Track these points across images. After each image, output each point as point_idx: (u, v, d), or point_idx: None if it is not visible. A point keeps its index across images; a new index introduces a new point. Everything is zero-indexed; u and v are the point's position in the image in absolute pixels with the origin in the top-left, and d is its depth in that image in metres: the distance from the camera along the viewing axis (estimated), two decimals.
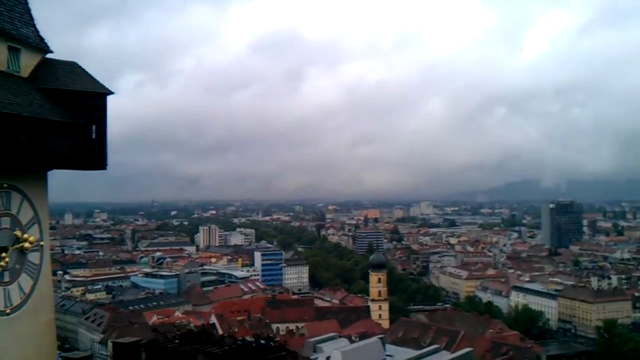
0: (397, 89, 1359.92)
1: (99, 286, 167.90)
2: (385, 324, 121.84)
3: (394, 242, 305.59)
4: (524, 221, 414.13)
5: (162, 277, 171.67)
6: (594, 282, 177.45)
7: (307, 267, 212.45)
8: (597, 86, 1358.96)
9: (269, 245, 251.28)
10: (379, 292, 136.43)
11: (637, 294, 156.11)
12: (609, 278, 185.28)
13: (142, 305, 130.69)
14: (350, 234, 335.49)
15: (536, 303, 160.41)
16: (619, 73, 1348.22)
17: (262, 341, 28.87)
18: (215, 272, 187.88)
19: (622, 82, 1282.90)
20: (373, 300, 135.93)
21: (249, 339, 31.80)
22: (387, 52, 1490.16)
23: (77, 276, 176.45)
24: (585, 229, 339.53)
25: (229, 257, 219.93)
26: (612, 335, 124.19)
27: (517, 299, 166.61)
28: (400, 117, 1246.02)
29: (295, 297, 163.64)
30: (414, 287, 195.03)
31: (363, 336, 70.40)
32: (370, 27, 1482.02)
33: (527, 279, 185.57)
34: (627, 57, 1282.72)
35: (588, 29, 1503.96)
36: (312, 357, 34.61)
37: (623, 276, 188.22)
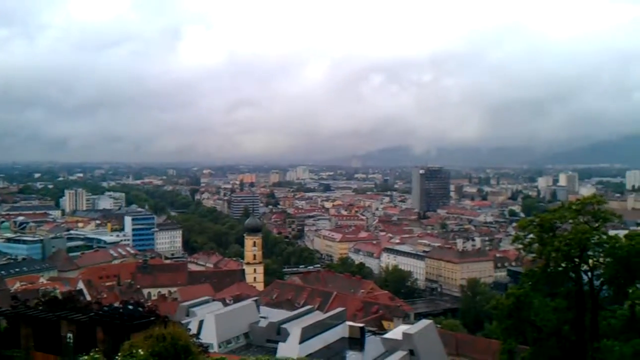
0: (278, 54, 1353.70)
1: None
2: (260, 286, 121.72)
3: (270, 207, 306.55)
4: (396, 186, 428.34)
5: (24, 242, 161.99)
6: (459, 243, 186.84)
7: (181, 232, 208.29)
8: (469, 58, 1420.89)
9: (140, 209, 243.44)
10: (254, 255, 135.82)
11: (498, 255, 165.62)
12: (473, 240, 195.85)
13: (3, 272, 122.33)
14: (226, 198, 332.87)
15: (405, 264, 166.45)
16: (491, 46, 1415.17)
17: (130, 307, 27.14)
18: (82, 237, 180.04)
19: (493, 55, 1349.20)
20: (248, 263, 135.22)
21: (116, 305, 29.90)
22: (270, 16, 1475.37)
23: None
24: (452, 194, 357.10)
25: (98, 222, 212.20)
26: (474, 294, 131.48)
27: (388, 260, 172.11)
28: (280, 82, 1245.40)
29: (168, 261, 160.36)
30: (289, 250, 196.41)
31: (237, 299, 69.76)
32: None
33: (397, 241, 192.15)
34: (499, 31, 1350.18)
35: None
36: (184, 321, 33.60)
37: (486, 238, 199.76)
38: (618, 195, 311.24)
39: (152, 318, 22.81)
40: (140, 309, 26.11)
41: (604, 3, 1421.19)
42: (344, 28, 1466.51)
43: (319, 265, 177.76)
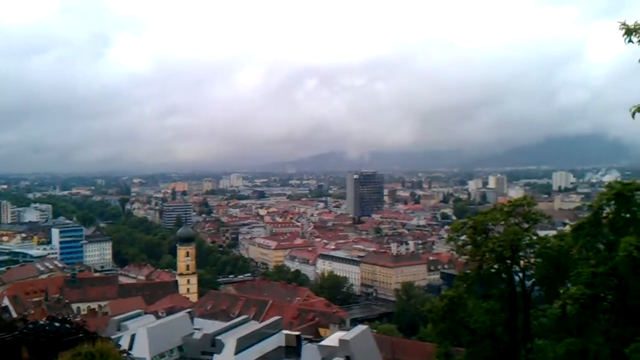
0: (211, 60, 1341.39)
1: None
2: (194, 297, 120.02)
3: (203, 215, 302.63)
4: (330, 191, 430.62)
5: None
6: (394, 247, 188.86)
7: (111, 244, 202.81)
8: (401, 64, 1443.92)
9: (67, 221, 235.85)
10: (187, 266, 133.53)
11: (431, 258, 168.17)
12: (407, 244, 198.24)
13: None
14: (157, 207, 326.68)
15: (341, 269, 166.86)
16: (422, 51, 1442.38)
17: (57, 323, 25.49)
18: (7, 251, 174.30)
19: (423, 61, 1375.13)
20: (181, 274, 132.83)
21: (42, 321, 28.05)
22: (202, 21, 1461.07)
23: None
24: (386, 198, 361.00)
25: (23, 235, 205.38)
26: (409, 297, 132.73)
27: (324, 267, 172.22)
28: (213, 88, 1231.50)
29: (98, 275, 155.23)
30: (223, 259, 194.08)
31: (170, 311, 67.84)
32: None
33: (332, 247, 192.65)
34: (429, 37, 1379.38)
35: (397, 6, 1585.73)
36: (115, 336, 32.15)
37: (419, 241, 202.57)
38: (545, 196, 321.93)
39: (81, 334, 21.51)
40: (68, 325, 24.59)
41: (530, 11, 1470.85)
42: (277, 33, 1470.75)
43: (254, 274, 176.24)
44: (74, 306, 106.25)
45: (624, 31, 8.10)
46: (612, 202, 34.28)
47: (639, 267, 29.77)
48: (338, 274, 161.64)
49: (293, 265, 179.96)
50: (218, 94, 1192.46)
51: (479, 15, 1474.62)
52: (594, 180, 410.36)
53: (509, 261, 38.25)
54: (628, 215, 33.39)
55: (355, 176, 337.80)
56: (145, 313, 46.78)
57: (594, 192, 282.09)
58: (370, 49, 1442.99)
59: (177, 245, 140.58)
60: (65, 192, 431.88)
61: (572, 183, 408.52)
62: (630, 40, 8.12)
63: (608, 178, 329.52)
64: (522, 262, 39.11)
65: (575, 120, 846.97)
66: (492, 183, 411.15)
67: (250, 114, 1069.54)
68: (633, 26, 8.04)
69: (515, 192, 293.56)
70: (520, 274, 39.24)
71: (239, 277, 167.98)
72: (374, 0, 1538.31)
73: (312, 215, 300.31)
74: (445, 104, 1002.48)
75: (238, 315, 66.57)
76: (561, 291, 35.69)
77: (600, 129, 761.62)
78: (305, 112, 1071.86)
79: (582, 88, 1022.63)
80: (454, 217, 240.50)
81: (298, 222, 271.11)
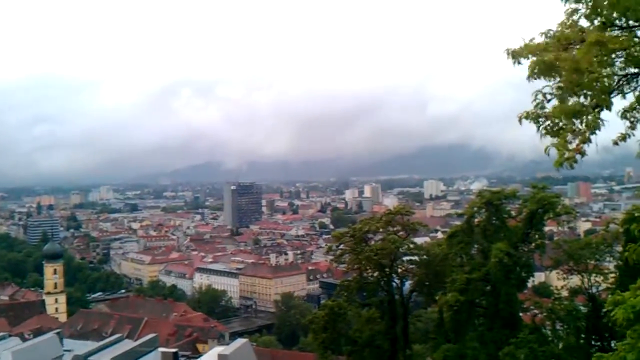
0: (82, 69, 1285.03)
1: None
2: (63, 317, 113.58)
3: (72, 230, 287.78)
4: (207, 203, 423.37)
5: None
6: (273, 258, 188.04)
7: None
8: (281, 72, 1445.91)
9: None
10: (55, 284, 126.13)
11: (310, 268, 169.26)
12: (286, 254, 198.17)
13: None
14: (21, 222, 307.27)
15: (219, 283, 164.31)
16: (301, 60, 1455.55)
17: None
18: None
19: (303, 70, 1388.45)
20: (48, 293, 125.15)
21: None
22: (73, 28, 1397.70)
23: None
24: (264, 209, 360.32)
25: None
26: (289, 308, 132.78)
27: (201, 280, 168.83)
28: (84, 98, 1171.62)
29: None
30: (94, 276, 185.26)
31: (38, 333, 63.54)
32: None
33: (210, 260, 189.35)
34: (310, 46, 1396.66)
35: (274, 14, 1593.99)
36: None
37: (298, 251, 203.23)
38: (418, 204, 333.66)
39: None
40: None
41: (407, 21, 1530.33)
42: (153, 41, 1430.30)
43: (127, 290, 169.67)
44: None
45: (511, 56, 8.41)
46: (483, 209, 35.77)
47: (509, 272, 31.07)
48: (216, 287, 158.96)
49: (169, 280, 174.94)
50: (90, 104, 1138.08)
51: (356, 24, 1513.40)
52: (463, 188, 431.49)
53: (387, 269, 38.96)
54: (498, 222, 34.96)
55: (233, 187, 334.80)
56: (10, 335, 43.11)
57: (463, 199, 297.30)
58: (250, 58, 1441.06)
59: (43, 262, 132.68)
60: None
61: (442, 191, 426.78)
62: (518, 63, 8.34)
63: (476, 186, 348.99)
64: (400, 270, 40.00)
65: (445, 131, 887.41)
66: (367, 192, 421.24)
67: (123, 124, 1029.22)
68: (520, 49, 8.33)
69: (390, 201, 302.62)
70: (399, 282, 40.13)
71: (112, 294, 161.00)
72: (252, 10, 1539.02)
73: (188, 227, 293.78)
74: (324, 113, 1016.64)
75: (111, 334, 63.37)
76: (437, 297, 36.75)
77: (468, 139, 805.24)
78: (181, 123, 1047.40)
79: (452, 100, 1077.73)
80: (331, 227, 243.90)
81: (173, 235, 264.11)
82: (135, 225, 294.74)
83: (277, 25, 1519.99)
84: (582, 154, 8.08)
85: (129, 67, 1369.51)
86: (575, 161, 8.01)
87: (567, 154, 8.01)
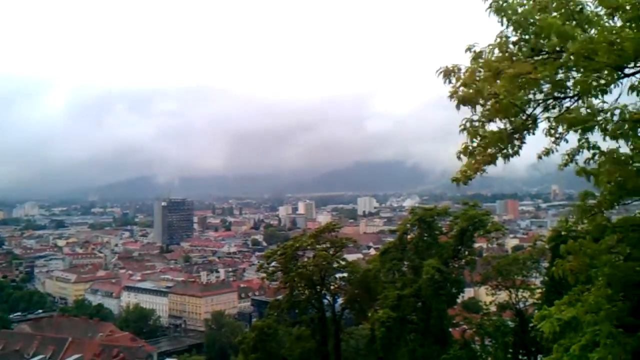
0: (10, 79, 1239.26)
1: None
2: None
3: None
4: (137, 219, 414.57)
5: None
6: (204, 276, 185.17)
7: None
8: (218, 87, 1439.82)
9: None
10: None
11: (242, 285, 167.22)
12: (218, 272, 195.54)
13: None
14: None
15: (148, 301, 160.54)
16: (239, 75, 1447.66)
17: None
18: None
19: (241, 84, 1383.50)
20: None
21: None
22: None
23: None
24: (195, 226, 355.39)
25: None
26: (220, 326, 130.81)
27: (129, 299, 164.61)
28: (7, 109, 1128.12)
29: None
30: (16, 295, 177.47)
31: None
32: None
33: (138, 278, 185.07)
34: (247, 60, 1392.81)
35: (213, 29, 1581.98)
36: None
37: (230, 269, 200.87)
38: (351, 220, 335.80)
39: None
40: None
41: (345, 37, 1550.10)
42: (85, 52, 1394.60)
43: (52, 310, 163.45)
44: None
45: (442, 75, 8.70)
46: (416, 226, 36.17)
47: (440, 289, 31.38)
48: (145, 306, 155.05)
49: (95, 299, 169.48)
50: (15, 117, 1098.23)
51: (295, 40, 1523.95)
52: (396, 205, 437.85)
53: (319, 286, 38.77)
54: (430, 239, 35.37)
55: (164, 203, 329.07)
56: None
57: (395, 216, 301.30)
58: (187, 73, 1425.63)
59: None
60: None
61: (375, 207, 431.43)
62: (449, 82, 8.66)
63: (408, 203, 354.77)
64: (332, 287, 39.87)
65: (381, 148, 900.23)
66: (301, 209, 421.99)
67: (52, 138, 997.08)
68: (451, 68, 8.64)
69: (324, 217, 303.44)
70: (331, 299, 39.96)
71: (34, 314, 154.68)
72: (189, 23, 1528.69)
73: (116, 245, 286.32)
74: (261, 128, 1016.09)
75: (34, 356, 62.50)
76: (369, 314, 36.73)
77: (403, 156, 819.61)
78: (113, 136, 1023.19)
79: (388, 117, 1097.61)
80: (264, 244, 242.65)
81: (101, 252, 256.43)
82: (61, 243, 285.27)
83: (215, 39, 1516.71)
84: (481, 172, 8.72)
85: (59, 78, 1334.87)
86: (469, 179, 8.67)
87: (457, 174, 8.72)
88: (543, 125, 8.65)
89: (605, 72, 7.89)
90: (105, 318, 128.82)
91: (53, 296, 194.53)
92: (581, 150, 8.72)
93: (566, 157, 8.83)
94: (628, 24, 7.87)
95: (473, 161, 8.67)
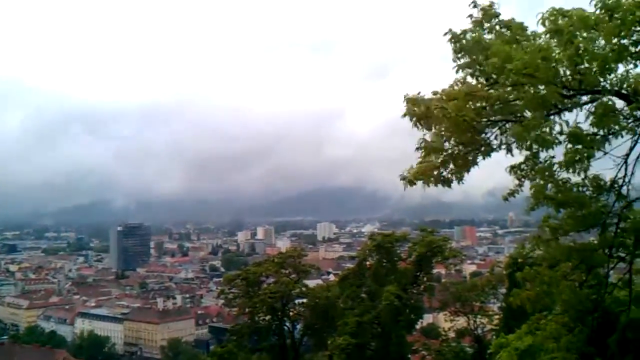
0: None
1: None
2: None
3: None
4: (92, 244, 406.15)
5: None
6: (160, 302, 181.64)
7: None
8: (177, 110, 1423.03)
9: None
10: None
11: (200, 312, 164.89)
12: (174, 298, 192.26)
13: None
14: None
15: (103, 328, 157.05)
16: (197, 99, 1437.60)
17: None
18: None
19: (198, 108, 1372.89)
20: None
21: None
22: None
23: None
24: (152, 251, 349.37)
25: None
26: (176, 354, 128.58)
27: (83, 326, 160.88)
28: None
29: None
30: None
31: None
32: None
33: (93, 304, 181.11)
34: (206, 84, 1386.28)
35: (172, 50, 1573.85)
36: None
37: (187, 295, 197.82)
38: (311, 246, 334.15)
39: None
40: None
41: (301, 60, 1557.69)
42: (37, 72, 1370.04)
43: (2, 337, 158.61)
44: None
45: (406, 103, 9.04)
46: (374, 252, 36.36)
47: (399, 315, 31.58)
48: (99, 333, 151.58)
49: (48, 326, 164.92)
50: None
51: (255, 63, 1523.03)
52: (355, 231, 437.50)
53: (279, 313, 38.59)
54: (389, 265, 35.57)
55: (119, 228, 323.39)
56: None
57: (354, 241, 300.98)
58: (144, 94, 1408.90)
59: None
60: None
61: (335, 233, 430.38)
62: (413, 110, 8.96)
63: (367, 228, 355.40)
64: (292, 313, 39.72)
65: (340, 173, 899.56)
66: (260, 234, 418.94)
67: (3, 161, 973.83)
68: (410, 98, 8.97)
69: (283, 243, 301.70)
70: (291, 325, 39.78)
71: None
72: (147, 44, 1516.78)
73: (70, 270, 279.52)
74: (220, 152, 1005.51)
75: None
76: (329, 342, 36.64)
77: (362, 182, 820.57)
78: (68, 159, 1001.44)
79: (348, 142, 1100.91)
80: (222, 269, 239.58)
81: (54, 278, 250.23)
82: (13, 268, 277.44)
83: (174, 56, 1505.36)
84: (431, 181, 9.04)
85: (12, 98, 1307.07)
86: (416, 181, 8.99)
87: (407, 172, 9.10)
88: (501, 157, 8.96)
89: (546, 88, 8.24)
90: (58, 345, 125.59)
91: (4, 323, 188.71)
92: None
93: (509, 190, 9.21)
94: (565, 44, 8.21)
95: (424, 165, 8.98)
